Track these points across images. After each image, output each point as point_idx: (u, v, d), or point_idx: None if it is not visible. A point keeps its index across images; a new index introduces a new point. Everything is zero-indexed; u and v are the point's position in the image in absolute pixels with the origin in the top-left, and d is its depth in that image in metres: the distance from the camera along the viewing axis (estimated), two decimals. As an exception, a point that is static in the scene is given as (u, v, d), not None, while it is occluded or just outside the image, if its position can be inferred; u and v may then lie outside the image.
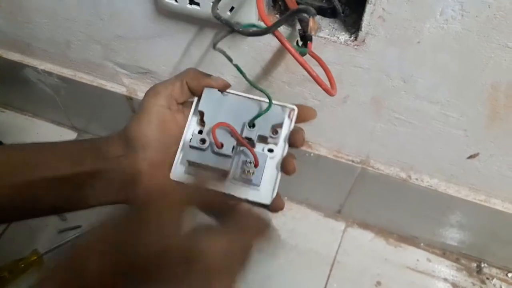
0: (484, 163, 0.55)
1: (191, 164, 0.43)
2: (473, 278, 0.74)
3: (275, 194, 0.42)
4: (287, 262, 0.76)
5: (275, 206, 0.42)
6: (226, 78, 0.56)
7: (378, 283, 0.73)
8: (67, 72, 0.70)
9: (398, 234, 0.77)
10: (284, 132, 0.44)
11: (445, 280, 0.74)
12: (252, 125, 0.42)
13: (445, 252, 0.76)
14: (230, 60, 0.43)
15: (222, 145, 0.42)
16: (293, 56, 0.37)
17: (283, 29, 0.47)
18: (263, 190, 0.42)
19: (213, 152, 0.42)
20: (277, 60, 0.53)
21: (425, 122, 0.52)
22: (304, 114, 0.45)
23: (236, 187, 0.42)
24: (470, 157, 0.55)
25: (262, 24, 0.39)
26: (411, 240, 0.76)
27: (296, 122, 0.44)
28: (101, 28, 0.58)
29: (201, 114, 0.43)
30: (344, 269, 0.75)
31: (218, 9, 0.44)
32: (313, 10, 0.34)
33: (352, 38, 0.46)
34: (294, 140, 0.43)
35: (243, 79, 0.43)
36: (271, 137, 0.43)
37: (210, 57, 0.56)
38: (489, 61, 0.43)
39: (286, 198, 0.81)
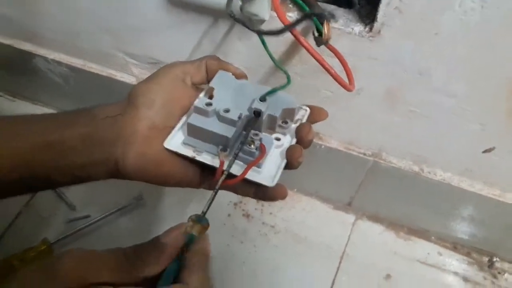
0: (500, 158, 0.54)
1: (191, 132, 0.40)
2: (485, 272, 0.73)
3: (277, 178, 0.39)
4: (296, 254, 0.75)
5: (278, 193, 0.39)
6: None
7: (388, 276, 0.73)
8: (76, 62, 0.70)
9: (409, 227, 0.76)
10: (293, 126, 0.42)
11: (456, 274, 0.73)
12: (263, 99, 0.41)
13: (456, 245, 0.75)
14: (259, 32, 0.41)
15: (228, 110, 0.40)
16: (312, 54, 0.36)
17: (290, 18, 0.46)
18: (265, 173, 0.39)
19: (218, 118, 0.40)
20: (290, 52, 0.52)
21: (440, 115, 0.51)
22: (316, 114, 0.44)
23: (234, 166, 0.39)
24: (486, 151, 0.54)
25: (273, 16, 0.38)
26: (421, 234, 0.76)
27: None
28: (111, 18, 0.58)
29: (211, 90, 0.42)
30: (354, 262, 0.74)
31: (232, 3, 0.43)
32: (327, 15, 0.34)
33: (367, 29, 0.46)
34: (302, 134, 0.41)
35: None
36: (280, 126, 0.42)
37: (223, 49, 0.55)
38: (508, 55, 0.42)
39: (295, 190, 0.81)
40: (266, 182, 0.39)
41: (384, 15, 0.43)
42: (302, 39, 0.36)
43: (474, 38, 0.41)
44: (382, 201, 0.73)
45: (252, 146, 0.39)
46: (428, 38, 0.43)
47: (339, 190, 0.75)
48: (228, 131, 0.39)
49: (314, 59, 0.39)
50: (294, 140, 0.42)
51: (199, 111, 0.40)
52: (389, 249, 0.75)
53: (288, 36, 0.49)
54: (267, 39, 0.50)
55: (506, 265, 0.73)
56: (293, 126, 0.42)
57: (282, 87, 0.40)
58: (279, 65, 0.41)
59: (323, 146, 0.64)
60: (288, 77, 0.40)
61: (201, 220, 0.35)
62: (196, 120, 0.40)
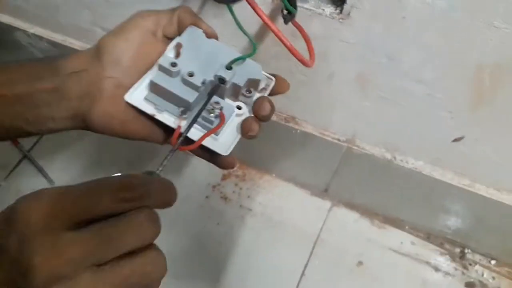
0: (469, 147, 0.54)
1: (153, 89, 0.39)
2: (456, 263, 0.74)
3: (232, 148, 0.39)
4: (271, 238, 0.76)
5: (227, 162, 0.40)
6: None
7: (360, 263, 0.74)
8: (57, 37, 0.70)
9: (384, 216, 0.77)
10: (257, 95, 0.42)
11: (428, 263, 0.74)
12: (229, 68, 0.40)
13: (429, 236, 0.75)
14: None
15: (192, 74, 0.39)
16: (267, 24, 0.36)
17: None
18: (221, 141, 0.40)
19: (181, 80, 0.39)
20: (264, 33, 0.52)
21: (410, 102, 0.51)
22: (278, 86, 0.43)
23: (192, 129, 0.39)
24: (455, 140, 0.54)
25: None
26: (396, 223, 0.76)
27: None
28: (88, -9, 0.58)
29: (179, 46, 0.41)
30: (327, 247, 0.75)
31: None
32: None
33: (337, 11, 0.45)
34: (258, 108, 0.40)
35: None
36: (243, 95, 0.41)
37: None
38: (475, 41, 0.42)
39: (274, 175, 0.81)
40: (220, 150, 0.39)
41: (354, -4, 0.43)
42: (257, 7, 0.36)
43: (440, 24, 0.41)
44: (357, 188, 0.73)
45: (212, 114, 0.39)
46: (396, 21, 0.43)
47: (316, 176, 0.75)
48: (190, 95, 0.39)
49: (284, 45, 0.38)
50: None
51: (164, 70, 0.39)
52: (363, 236, 0.76)
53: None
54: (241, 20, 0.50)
55: (477, 257, 0.74)
56: (257, 95, 0.42)
57: (248, 55, 0.40)
58: (246, 33, 0.40)
59: (298, 131, 0.64)
60: (254, 46, 0.40)
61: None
62: (159, 79, 0.39)
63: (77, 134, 0.85)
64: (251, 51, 0.40)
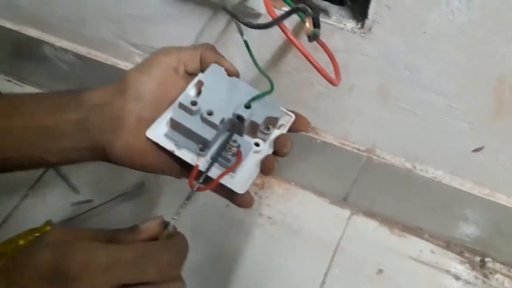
0: (489, 157, 0.55)
1: (173, 126, 0.41)
2: (476, 271, 0.74)
3: (249, 186, 0.40)
4: (289, 247, 0.77)
5: (245, 201, 0.41)
6: (235, 61, 0.58)
7: (380, 271, 0.74)
8: (82, 50, 0.72)
9: (403, 224, 0.77)
10: (276, 132, 0.43)
11: (448, 272, 0.74)
12: (248, 106, 0.41)
13: (449, 244, 0.76)
14: (241, 33, 0.42)
15: (211, 113, 0.40)
16: (297, 48, 0.37)
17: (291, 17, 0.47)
18: (238, 179, 0.40)
19: (201, 118, 0.40)
20: (287, 46, 0.53)
21: (430, 113, 0.52)
22: (298, 124, 0.44)
23: (202, 162, 0.40)
24: (475, 150, 0.55)
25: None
26: (415, 231, 0.77)
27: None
28: (114, 6, 0.60)
29: (200, 84, 0.42)
30: (347, 256, 0.75)
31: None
32: (309, 10, 0.35)
33: (359, 25, 0.47)
34: (280, 145, 0.42)
35: (253, 67, 0.42)
36: (261, 132, 0.42)
37: (223, 41, 0.56)
38: (495, 54, 0.42)
39: (293, 183, 0.82)
40: (237, 188, 0.40)
41: (375, 12, 0.44)
42: (289, 33, 0.38)
43: (461, 38, 0.42)
44: (377, 197, 0.74)
45: (229, 152, 0.40)
46: (417, 36, 0.44)
47: (335, 185, 0.76)
48: (208, 133, 0.40)
49: (314, 67, 0.39)
50: (272, 149, 0.43)
51: (183, 107, 0.40)
52: (383, 245, 0.76)
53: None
54: (263, 34, 0.52)
55: (497, 266, 0.74)
56: (276, 132, 0.43)
57: (266, 93, 0.41)
58: (262, 70, 0.41)
59: (318, 141, 0.65)
60: (272, 84, 0.41)
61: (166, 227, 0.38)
62: (179, 116, 0.40)
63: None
64: (270, 88, 0.41)
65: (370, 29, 0.45)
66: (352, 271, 0.74)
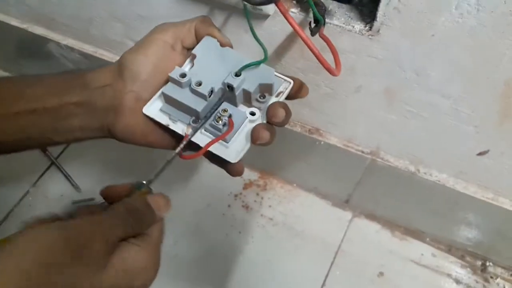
0: (494, 161, 0.55)
1: (167, 100, 0.41)
2: (477, 276, 0.74)
3: (241, 155, 0.39)
4: (291, 248, 0.77)
5: (236, 170, 0.41)
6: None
7: (381, 274, 0.74)
8: (88, 48, 0.72)
9: (405, 227, 0.77)
10: (273, 100, 0.41)
11: (449, 276, 0.74)
12: (238, 74, 0.40)
13: (450, 248, 0.76)
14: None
15: (200, 84, 0.40)
16: (296, 31, 0.37)
17: (297, 15, 0.47)
18: (232, 148, 0.40)
19: (190, 90, 0.40)
20: (293, 47, 0.53)
21: (436, 116, 0.52)
22: (296, 90, 0.43)
23: (202, 136, 0.40)
24: (480, 154, 0.55)
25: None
26: (417, 234, 0.77)
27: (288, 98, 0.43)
28: (122, 6, 0.60)
29: (193, 57, 0.42)
30: (348, 258, 0.76)
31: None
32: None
33: (367, 27, 0.47)
34: (270, 114, 0.40)
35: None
36: (257, 100, 0.41)
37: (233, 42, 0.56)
38: (503, 58, 0.43)
39: (295, 184, 0.82)
40: (229, 158, 0.39)
41: (384, 14, 0.44)
42: (289, 16, 0.37)
43: (469, 41, 0.42)
44: (379, 199, 0.74)
45: (220, 122, 0.39)
46: (425, 39, 0.44)
47: (338, 187, 0.76)
48: (198, 104, 0.40)
49: (312, 52, 0.40)
50: (265, 117, 0.41)
51: (174, 81, 0.40)
52: (384, 247, 0.77)
53: (288, 30, 0.51)
54: (269, 33, 0.52)
55: (498, 270, 0.74)
56: (273, 99, 0.42)
57: (257, 62, 0.40)
58: (258, 39, 0.40)
59: (322, 142, 0.65)
60: (265, 53, 0.40)
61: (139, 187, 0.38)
62: (170, 90, 0.40)
63: (103, 143, 0.88)
64: (263, 57, 0.41)
65: (378, 31, 0.46)
66: (353, 273, 0.74)
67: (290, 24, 0.38)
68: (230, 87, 0.40)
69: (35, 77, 0.42)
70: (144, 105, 0.41)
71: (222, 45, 0.43)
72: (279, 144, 0.72)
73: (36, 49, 0.77)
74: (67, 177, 0.84)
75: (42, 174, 0.85)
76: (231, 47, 0.44)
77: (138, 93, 0.40)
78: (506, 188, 0.59)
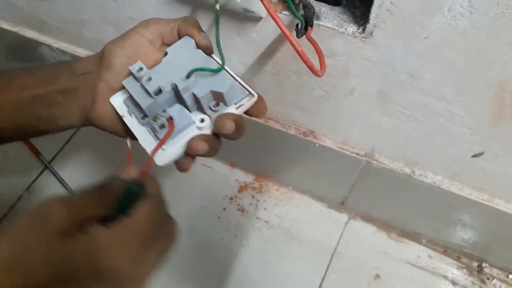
0: (489, 163, 0.55)
1: (127, 92, 0.41)
2: (473, 277, 0.74)
3: (169, 161, 0.38)
4: (287, 250, 0.77)
5: (181, 166, 0.40)
6: (234, 63, 0.58)
7: (377, 276, 0.74)
8: (80, 51, 0.72)
9: (401, 229, 0.77)
10: (230, 110, 0.39)
11: (445, 277, 0.74)
12: (188, 76, 0.39)
13: (446, 249, 0.76)
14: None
15: (150, 80, 0.39)
16: (279, 26, 0.37)
17: (289, 17, 0.47)
18: (166, 151, 0.38)
19: (140, 85, 0.40)
20: (286, 50, 0.53)
21: (430, 118, 0.52)
22: (257, 107, 0.41)
23: (142, 130, 0.40)
24: (475, 155, 0.55)
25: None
26: (413, 236, 0.77)
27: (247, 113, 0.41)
28: (114, 9, 0.59)
29: (165, 54, 0.42)
30: (344, 260, 0.75)
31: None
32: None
33: (360, 30, 0.46)
34: (218, 124, 0.38)
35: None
36: (210, 108, 0.39)
37: (222, 43, 0.55)
38: (497, 60, 0.42)
39: (290, 187, 0.82)
40: (156, 158, 0.38)
41: (376, 16, 0.44)
42: (273, 12, 0.36)
43: (462, 43, 0.42)
44: (375, 202, 0.74)
45: (157, 121, 0.38)
46: (418, 41, 0.44)
47: (333, 189, 0.76)
48: (144, 101, 0.39)
49: (295, 50, 0.39)
50: (212, 127, 0.39)
51: (132, 74, 0.41)
52: (380, 249, 0.76)
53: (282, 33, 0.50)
54: (263, 37, 0.52)
55: (495, 271, 0.74)
56: (230, 110, 0.39)
57: (211, 69, 0.39)
58: (219, 47, 0.40)
59: (317, 145, 0.65)
60: (223, 60, 0.40)
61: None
62: (128, 83, 0.40)
63: (97, 147, 0.87)
64: (222, 64, 0.40)
65: (371, 33, 0.45)
66: (350, 275, 0.74)
67: (272, 17, 0.37)
68: (175, 88, 0.39)
69: (24, 69, 0.43)
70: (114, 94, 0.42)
71: (199, 47, 0.42)
72: (274, 147, 0.72)
73: (28, 53, 0.76)
74: (60, 181, 0.83)
75: (36, 179, 0.84)
76: (211, 49, 0.43)
77: (110, 83, 0.41)
78: (501, 189, 0.59)
